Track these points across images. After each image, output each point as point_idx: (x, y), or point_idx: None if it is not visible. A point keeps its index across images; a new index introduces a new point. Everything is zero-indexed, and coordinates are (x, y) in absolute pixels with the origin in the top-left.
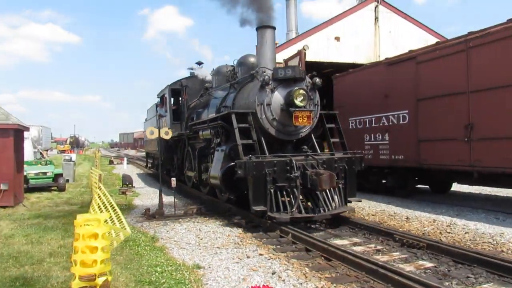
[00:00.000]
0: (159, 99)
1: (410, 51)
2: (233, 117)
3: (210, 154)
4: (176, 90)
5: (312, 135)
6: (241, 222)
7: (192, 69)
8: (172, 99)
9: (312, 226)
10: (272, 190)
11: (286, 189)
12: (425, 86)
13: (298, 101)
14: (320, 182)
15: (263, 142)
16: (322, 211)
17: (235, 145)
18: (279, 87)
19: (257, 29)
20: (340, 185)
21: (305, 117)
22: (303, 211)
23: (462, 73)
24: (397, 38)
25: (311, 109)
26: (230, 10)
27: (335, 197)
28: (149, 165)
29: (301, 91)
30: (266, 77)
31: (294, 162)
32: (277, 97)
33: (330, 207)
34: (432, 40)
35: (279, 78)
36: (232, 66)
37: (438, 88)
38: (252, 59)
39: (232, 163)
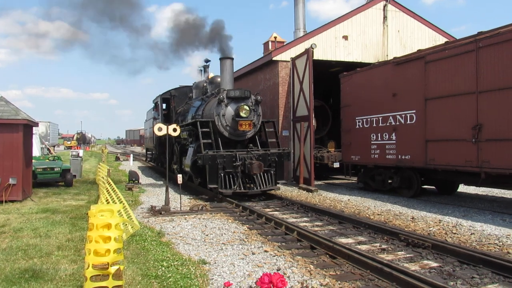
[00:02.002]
0: (154, 105)
1: (419, 51)
2: (198, 124)
3: (187, 149)
4: (166, 98)
5: (257, 136)
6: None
7: (199, 66)
8: (164, 105)
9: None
10: (222, 174)
11: (232, 173)
12: (434, 86)
13: (242, 113)
14: (252, 169)
15: (219, 141)
16: (255, 188)
17: (200, 144)
18: (231, 103)
19: (220, 59)
20: (272, 172)
21: (247, 124)
22: (242, 188)
23: (471, 73)
24: (405, 38)
25: (252, 119)
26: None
27: (267, 179)
28: (148, 158)
29: (245, 107)
30: (222, 96)
31: (237, 155)
32: (229, 110)
33: (261, 186)
34: (441, 40)
35: (231, 96)
36: (206, 82)
37: (446, 88)
38: (218, 79)
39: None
